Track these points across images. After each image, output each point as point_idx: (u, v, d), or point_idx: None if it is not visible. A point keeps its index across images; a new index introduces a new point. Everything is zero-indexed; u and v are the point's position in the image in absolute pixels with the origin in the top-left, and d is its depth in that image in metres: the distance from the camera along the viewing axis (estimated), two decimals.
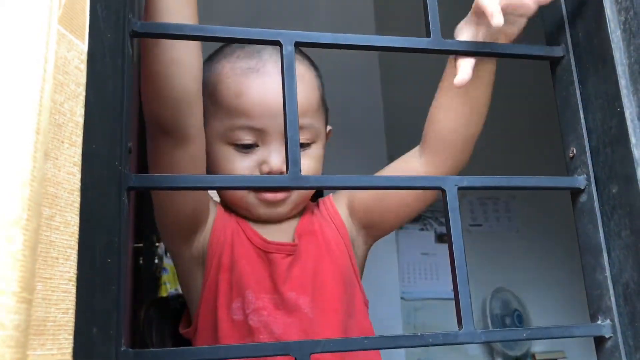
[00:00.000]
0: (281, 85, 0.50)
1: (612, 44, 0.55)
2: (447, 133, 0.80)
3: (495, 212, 3.44)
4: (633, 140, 0.53)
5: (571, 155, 0.59)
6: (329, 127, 0.95)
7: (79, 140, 0.32)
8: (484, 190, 3.42)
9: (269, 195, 0.85)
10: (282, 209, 0.87)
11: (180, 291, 0.94)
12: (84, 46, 0.34)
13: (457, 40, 0.59)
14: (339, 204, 0.93)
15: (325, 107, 0.93)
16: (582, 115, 0.58)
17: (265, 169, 0.83)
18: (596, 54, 0.57)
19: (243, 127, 0.83)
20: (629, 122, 0.53)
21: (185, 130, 0.72)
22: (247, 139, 0.83)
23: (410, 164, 0.85)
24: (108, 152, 0.37)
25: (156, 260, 2.65)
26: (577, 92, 0.59)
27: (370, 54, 2.65)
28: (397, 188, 0.56)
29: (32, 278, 0.25)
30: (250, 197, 0.85)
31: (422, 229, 3.10)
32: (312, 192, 0.91)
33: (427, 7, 0.57)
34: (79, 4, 0.34)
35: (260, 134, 0.83)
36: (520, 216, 3.28)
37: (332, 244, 0.89)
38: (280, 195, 0.85)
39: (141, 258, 2.43)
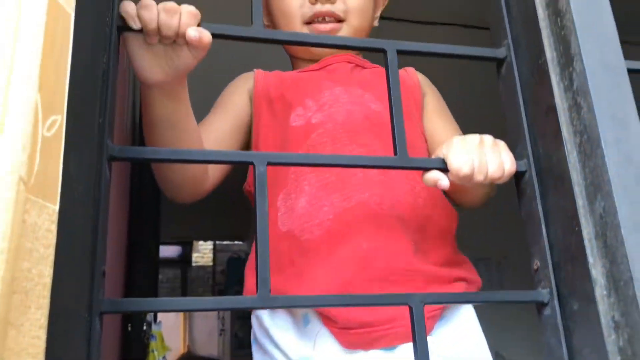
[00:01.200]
0: None
1: (569, 164, 0.58)
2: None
3: (487, 272, 3.44)
4: (590, 259, 0.55)
5: (535, 267, 0.61)
6: None
7: (46, 301, 0.34)
8: (475, 250, 3.44)
9: (320, 26, 0.95)
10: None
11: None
12: (55, 206, 0.36)
13: (421, 158, 0.61)
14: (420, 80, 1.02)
15: None
16: (544, 230, 0.60)
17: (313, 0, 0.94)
18: (555, 172, 0.60)
19: None
20: (586, 242, 0.55)
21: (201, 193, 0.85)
22: None
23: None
24: (75, 303, 0.39)
25: (144, 327, 2.62)
26: (539, 207, 0.61)
27: None
28: (363, 305, 0.57)
29: None
30: (304, 31, 0.95)
31: None
32: (366, 29, 1.00)
33: (394, 129, 0.60)
34: (52, 168, 0.36)
35: None
36: (512, 277, 3.27)
37: (405, 85, 0.96)
38: (330, 26, 0.95)
39: (129, 325, 2.41)
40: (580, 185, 0.57)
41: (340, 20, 0.95)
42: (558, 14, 0.61)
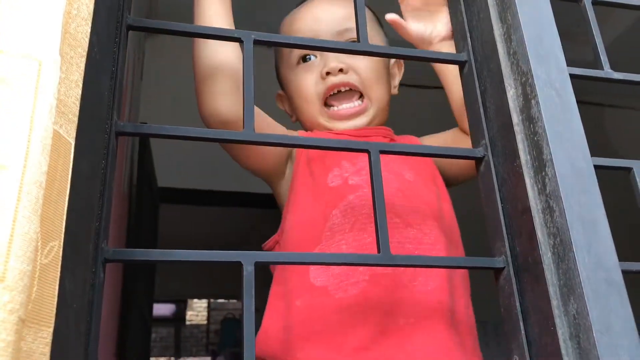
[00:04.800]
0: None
1: (544, 265, 0.60)
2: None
3: (485, 336, 3.43)
4: (566, 359, 0.57)
5: None
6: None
7: None
8: (474, 313, 3.44)
9: (342, 111, 0.93)
10: (362, 121, 0.94)
11: None
12: (50, 329, 0.39)
13: (403, 256, 0.64)
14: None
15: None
16: (522, 327, 0.62)
17: (325, 71, 0.92)
18: (531, 272, 0.62)
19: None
20: (561, 342, 0.57)
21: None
22: (307, 51, 0.95)
23: (447, 135, 0.98)
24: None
25: None
26: (517, 303, 0.63)
27: None
28: None
29: None
30: (322, 119, 0.94)
31: None
32: (386, 99, 0.97)
33: (378, 227, 0.63)
34: (48, 292, 0.39)
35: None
36: None
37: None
38: (354, 109, 0.93)
39: None
40: (554, 286, 0.60)
41: (359, 93, 0.94)
42: (531, 121, 0.65)
